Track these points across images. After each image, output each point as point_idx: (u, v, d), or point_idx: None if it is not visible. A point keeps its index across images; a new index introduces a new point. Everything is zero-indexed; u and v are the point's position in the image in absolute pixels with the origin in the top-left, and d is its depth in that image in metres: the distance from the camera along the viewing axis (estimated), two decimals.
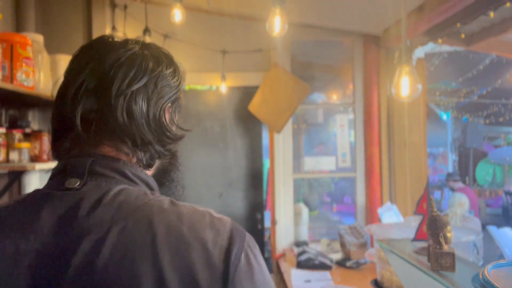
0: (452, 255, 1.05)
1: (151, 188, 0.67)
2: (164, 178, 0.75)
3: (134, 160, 0.66)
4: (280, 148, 2.93)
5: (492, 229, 2.30)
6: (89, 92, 0.63)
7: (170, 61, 0.72)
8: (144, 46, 0.72)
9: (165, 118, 0.68)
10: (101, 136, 0.64)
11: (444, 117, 8.73)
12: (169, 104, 0.70)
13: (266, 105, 2.84)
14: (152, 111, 0.66)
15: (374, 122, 2.90)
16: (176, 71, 0.72)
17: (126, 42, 0.71)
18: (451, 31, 2.38)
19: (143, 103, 0.65)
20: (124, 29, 2.69)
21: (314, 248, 2.67)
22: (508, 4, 1.93)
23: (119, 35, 2.71)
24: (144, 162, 0.68)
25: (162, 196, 0.64)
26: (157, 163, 0.72)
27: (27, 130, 2.01)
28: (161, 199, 0.62)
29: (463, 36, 2.67)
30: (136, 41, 0.72)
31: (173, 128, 0.71)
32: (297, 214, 2.94)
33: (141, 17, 2.63)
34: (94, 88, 0.63)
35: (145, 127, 0.65)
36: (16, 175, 2.08)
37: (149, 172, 0.71)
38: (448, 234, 1.06)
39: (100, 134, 0.64)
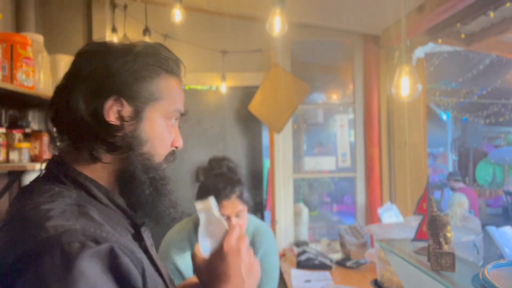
0: (452, 255, 1.05)
1: (78, 186, 0.68)
2: (123, 176, 0.71)
3: (73, 156, 0.70)
4: (280, 148, 2.93)
5: (491, 229, 2.29)
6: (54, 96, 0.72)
7: (122, 54, 0.70)
8: (100, 45, 0.72)
9: (104, 113, 0.68)
10: (59, 135, 0.72)
11: (444, 117, 8.73)
12: (112, 98, 0.68)
13: (266, 105, 2.84)
14: (91, 107, 0.67)
15: (374, 122, 2.90)
16: (129, 62, 0.69)
17: (90, 44, 0.73)
18: (451, 31, 2.38)
19: (81, 100, 0.67)
20: (124, 29, 2.69)
21: (314, 248, 2.67)
22: (508, 4, 1.93)
23: (119, 35, 2.71)
24: (86, 157, 0.69)
25: (47, 195, 0.63)
26: (114, 159, 0.70)
27: (27, 130, 2.01)
28: (33, 196, 0.64)
29: (463, 36, 2.67)
30: (99, 41, 0.74)
31: (116, 122, 0.69)
32: (297, 214, 2.94)
33: (141, 17, 2.63)
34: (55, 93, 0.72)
35: (83, 123, 0.67)
36: (16, 175, 2.08)
37: (96, 170, 0.70)
38: (448, 234, 1.06)
39: (59, 133, 0.72)
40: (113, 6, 2.79)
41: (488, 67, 5.34)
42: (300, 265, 2.45)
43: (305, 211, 2.96)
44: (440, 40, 2.57)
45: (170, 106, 0.74)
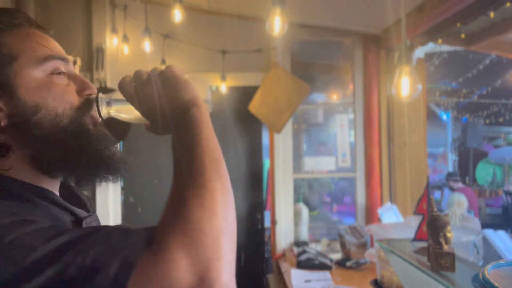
0: (452, 255, 1.05)
1: (10, 194, 0.57)
2: (40, 161, 0.61)
3: None
4: (280, 148, 2.93)
5: (488, 232, 2.28)
6: None
7: None
8: None
9: None
10: None
11: (444, 117, 8.72)
12: None
13: (266, 105, 2.84)
14: None
15: (374, 122, 2.90)
16: None
17: None
18: (451, 31, 2.38)
19: None
20: (124, 29, 2.70)
21: (314, 248, 2.67)
22: (508, 4, 1.94)
23: (119, 36, 2.71)
24: None
25: None
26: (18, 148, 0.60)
27: None
28: None
29: (463, 36, 2.67)
30: None
31: None
32: (297, 214, 2.94)
33: (141, 17, 2.63)
34: None
35: None
36: None
37: (15, 171, 0.60)
38: (448, 234, 1.06)
39: None
40: (113, 6, 2.79)
41: (488, 67, 5.34)
42: (300, 265, 2.45)
43: (305, 211, 2.96)
44: (440, 40, 2.57)
45: (34, 58, 0.61)
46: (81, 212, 0.65)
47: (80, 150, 0.61)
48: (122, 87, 0.62)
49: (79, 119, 0.62)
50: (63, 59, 0.64)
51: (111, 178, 0.66)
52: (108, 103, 0.64)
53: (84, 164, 0.62)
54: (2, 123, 0.58)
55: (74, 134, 0.61)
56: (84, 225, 0.63)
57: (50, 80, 0.62)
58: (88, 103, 0.65)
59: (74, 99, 0.64)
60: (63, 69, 0.64)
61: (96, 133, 0.64)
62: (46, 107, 0.60)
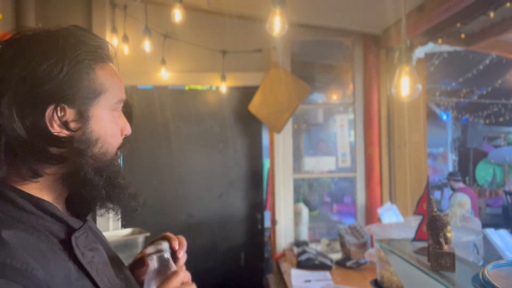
0: (452, 255, 1.05)
1: (12, 203, 0.61)
2: (73, 181, 0.66)
3: (12, 173, 0.62)
4: (280, 148, 2.93)
5: (489, 231, 2.27)
6: None
7: (46, 54, 0.60)
8: (16, 41, 0.63)
9: (46, 125, 0.61)
10: None
11: (444, 117, 8.73)
12: (52, 106, 0.60)
13: (266, 105, 2.84)
14: (28, 121, 0.59)
15: (374, 122, 2.90)
16: (58, 64, 0.60)
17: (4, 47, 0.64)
18: (451, 31, 2.38)
19: (10, 112, 0.58)
20: (124, 29, 2.69)
21: (314, 248, 2.67)
22: (508, 4, 1.94)
23: (119, 35, 2.71)
24: (27, 175, 0.62)
25: None
26: (56, 169, 0.64)
27: None
28: None
29: (463, 36, 2.67)
30: (10, 38, 0.63)
31: (61, 132, 0.62)
32: (297, 214, 2.94)
33: (141, 17, 2.63)
34: None
35: (21, 140, 0.59)
36: None
37: (34, 184, 0.63)
38: (448, 234, 1.06)
39: None
40: (113, 6, 2.79)
41: (488, 67, 5.34)
42: (300, 265, 2.45)
43: (305, 211, 2.96)
44: (440, 40, 2.57)
45: (114, 98, 0.68)
46: (76, 224, 0.67)
47: (113, 186, 0.68)
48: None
49: (117, 157, 0.70)
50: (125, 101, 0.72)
51: (126, 213, 0.73)
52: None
53: (114, 197, 0.69)
54: (75, 144, 0.63)
55: (112, 170, 0.68)
56: (73, 240, 0.64)
57: (113, 120, 0.68)
58: (124, 145, 0.73)
59: (120, 139, 0.71)
60: (120, 108, 0.71)
61: (122, 173, 0.71)
62: (104, 143, 0.66)
